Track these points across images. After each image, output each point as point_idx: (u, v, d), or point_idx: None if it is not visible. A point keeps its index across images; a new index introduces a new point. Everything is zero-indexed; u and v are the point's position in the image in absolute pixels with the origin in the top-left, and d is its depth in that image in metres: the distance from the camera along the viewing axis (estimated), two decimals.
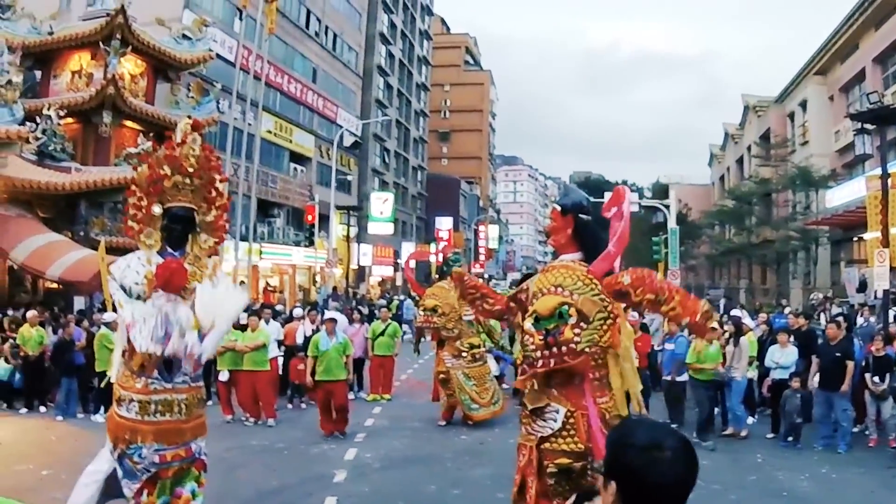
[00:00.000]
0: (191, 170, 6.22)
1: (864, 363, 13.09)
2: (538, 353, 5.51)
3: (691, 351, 13.52)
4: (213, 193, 6.48)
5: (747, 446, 13.09)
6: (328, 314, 15.42)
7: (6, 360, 15.83)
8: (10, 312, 18.50)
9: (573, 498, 2.61)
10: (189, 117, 6.65)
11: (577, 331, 5.36)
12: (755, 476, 11.18)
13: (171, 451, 6.06)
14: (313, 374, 13.53)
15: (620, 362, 5.66)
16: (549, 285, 5.64)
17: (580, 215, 5.85)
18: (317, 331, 15.76)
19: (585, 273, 5.55)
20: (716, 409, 14.04)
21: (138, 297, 5.99)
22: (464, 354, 14.66)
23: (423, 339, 16.52)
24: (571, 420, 5.49)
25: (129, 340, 6.00)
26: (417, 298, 17.78)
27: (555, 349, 5.42)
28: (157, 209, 6.19)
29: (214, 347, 6.44)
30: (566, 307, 5.42)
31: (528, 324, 5.63)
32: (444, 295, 14.95)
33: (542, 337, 5.47)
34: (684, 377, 14.40)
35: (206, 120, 25.58)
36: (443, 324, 14.80)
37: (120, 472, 6.01)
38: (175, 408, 6.09)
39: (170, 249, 6.25)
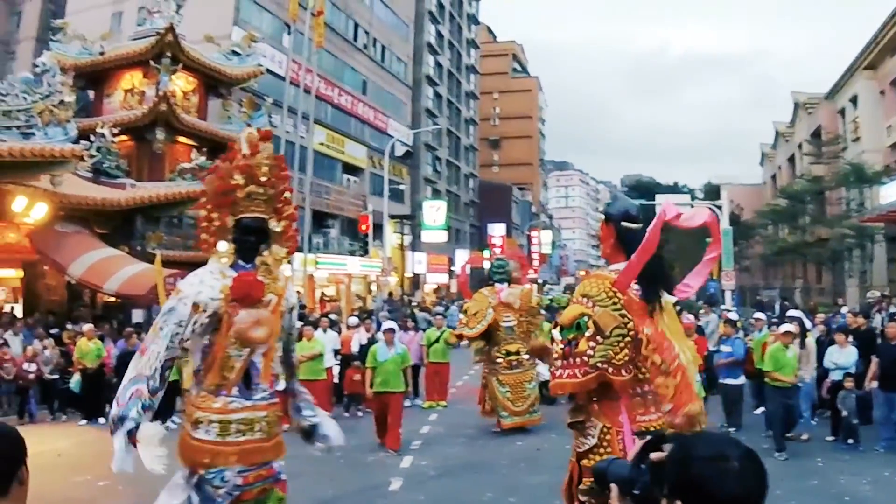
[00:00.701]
0: (264, 179, 5.95)
1: None
2: (558, 363, 5.44)
3: (768, 358, 12.95)
4: (282, 203, 6.21)
5: (807, 449, 12.85)
6: (384, 325, 15.31)
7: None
8: (68, 326, 18.88)
9: (641, 443, 2.41)
10: (250, 125, 6.47)
11: (591, 344, 5.16)
12: (816, 480, 10.93)
13: (254, 472, 5.72)
14: (371, 384, 13.32)
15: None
16: (578, 294, 5.54)
17: (623, 223, 5.59)
18: (372, 339, 15.80)
19: (611, 285, 5.29)
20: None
21: (214, 313, 5.64)
22: (499, 360, 14.63)
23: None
24: (608, 437, 5.27)
25: (202, 358, 5.73)
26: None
27: (570, 360, 5.27)
28: (229, 220, 5.91)
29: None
30: (585, 318, 5.24)
31: (555, 332, 5.56)
32: (480, 299, 15.11)
33: (562, 346, 5.40)
34: (741, 380, 14.22)
35: None
36: (466, 321, 14.97)
37: (196, 500, 5.61)
38: (256, 426, 5.75)
39: (241, 262, 5.92)
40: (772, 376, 12.79)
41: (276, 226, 6.07)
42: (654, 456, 2.24)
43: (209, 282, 5.72)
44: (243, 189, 5.86)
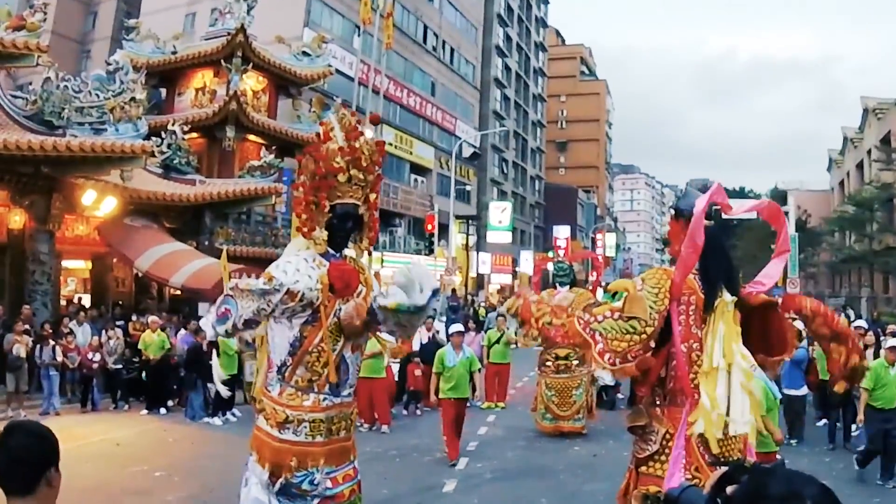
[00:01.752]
0: (365, 164, 5.58)
1: None
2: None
3: (870, 375, 11.04)
4: (371, 191, 5.79)
5: (871, 467, 11.69)
6: (453, 328, 14.97)
7: None
8: (134, 317, 19.25)
9: (718, 475, 2.30)
10: (370, 114, 6.16)
11: (607, 313, 4.93)
12: (879, 499, 10.49)
13: (342, 473, 5.45)
14: (437, 391, 12.84)
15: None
16: (640, 277, 5.29)
17: None
18: (432, 339, 15.74)
19: (668, 287, 4.99)
20: (838, 424, 13.58)
21: (311, 303, 5.26)
22: (548, 364, 14.63)
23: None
24: (671, 443, 4.97)
25: (291, 353, 5.31)
26: None
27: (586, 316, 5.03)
28: (327, 205, 5.51)
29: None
30: (624, 293, 5.05)
31: (600, 293, 5.45)
32: None
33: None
34: (803, 390, 13.90)
35: None
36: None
37: None
38: (343, 423, 5.49)
39: (331, 250, 5.58)
40: (868, 396, 11.39)
41: (364, 214, 5.75)
42: (730, 490, 2.14)
43: (306, 270, 5.33)
44: (346, 173, 5.52)
